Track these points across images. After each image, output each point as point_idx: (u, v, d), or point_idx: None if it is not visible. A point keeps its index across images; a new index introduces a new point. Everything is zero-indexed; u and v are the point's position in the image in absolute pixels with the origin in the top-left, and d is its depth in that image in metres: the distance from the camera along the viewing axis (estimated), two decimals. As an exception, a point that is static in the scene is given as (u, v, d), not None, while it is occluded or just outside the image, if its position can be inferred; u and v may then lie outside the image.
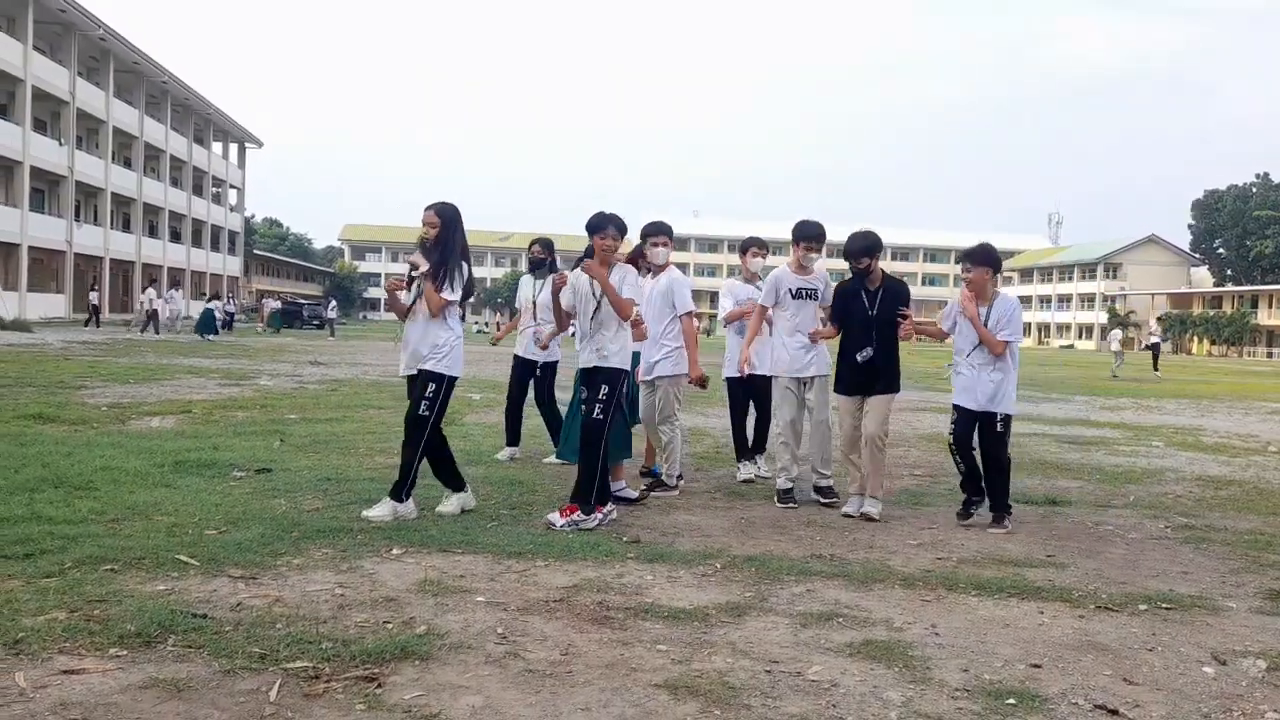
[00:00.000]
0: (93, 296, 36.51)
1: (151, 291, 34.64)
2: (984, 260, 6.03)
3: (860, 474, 6.23)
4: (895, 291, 6.31)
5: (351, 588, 4.15)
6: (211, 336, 30.67)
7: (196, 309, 39.30)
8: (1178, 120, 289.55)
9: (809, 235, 6.68)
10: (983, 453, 5.99)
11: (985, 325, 5.97)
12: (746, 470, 7.38)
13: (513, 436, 7.98)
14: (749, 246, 7.68)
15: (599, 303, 5.68)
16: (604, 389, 5.64)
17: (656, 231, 6.79)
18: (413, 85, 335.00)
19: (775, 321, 6.69)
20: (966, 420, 6.02)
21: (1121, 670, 3.54)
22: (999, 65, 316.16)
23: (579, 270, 5.83)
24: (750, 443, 7.51)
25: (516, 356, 8.14)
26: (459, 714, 2.96)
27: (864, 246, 6.26)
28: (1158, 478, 8.30)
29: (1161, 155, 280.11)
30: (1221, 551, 5.55)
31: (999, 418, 5.96)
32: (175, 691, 3.02)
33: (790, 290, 6.60)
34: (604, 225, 5.70)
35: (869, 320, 6.27)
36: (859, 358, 6.25)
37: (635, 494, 6.42)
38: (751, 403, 7.52)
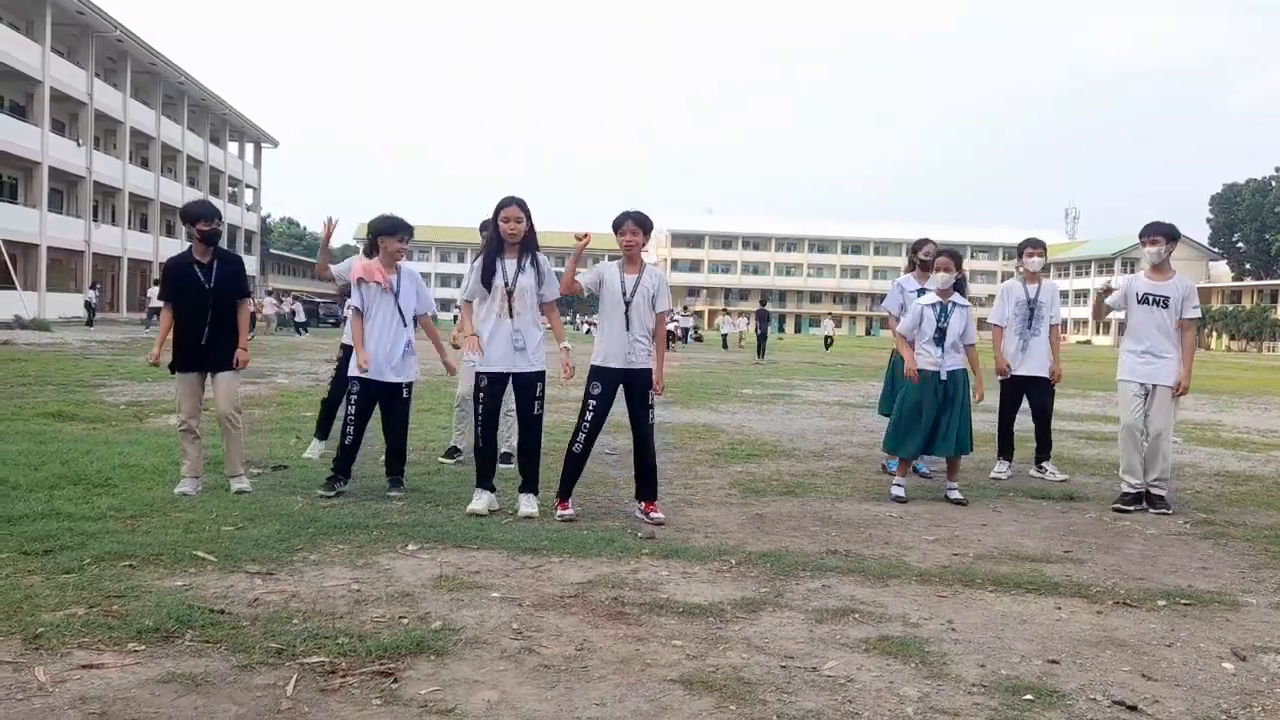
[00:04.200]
0: (90, 295, 36.76)
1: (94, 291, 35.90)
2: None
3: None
4: None
5: (367, 583, 4.17)
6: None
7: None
8: (1195, 114, 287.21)
9: (1150, 231, 6.53)
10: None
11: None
12: (1001, 469, 7.52)
13: (326, 431, 7.40)
14: (1025, 248, 7.77)
15: (630, 300, 5.65)
16: (650, 394, 5.73)
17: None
18: (426, 84, 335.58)
19: (1127, 326, 6.61)
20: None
21: (1140, 666, 3.52)
22: (1013, 60, 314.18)
23: (612, 265, 5.80)
24: (1037, 446, 7.71)
25: (347, 347, 7.01)
26: (475, 709, 2.97)
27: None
28: (1176, 473, 8.20)
29: (1179, 149, 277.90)
30: (1241, 547, 5.50)
31: None
32: (193, 686, 3.04)
33: (1138, 295, 6.51)
34: (622, 222, 5.68)
35: None
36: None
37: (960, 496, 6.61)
38: (1029, 404, 7.66)
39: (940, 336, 6.55)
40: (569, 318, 60.13)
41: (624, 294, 5.66)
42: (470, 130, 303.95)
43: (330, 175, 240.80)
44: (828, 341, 44.92)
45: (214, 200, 59.12)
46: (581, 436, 5.69)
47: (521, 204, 5.66)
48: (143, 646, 3.34)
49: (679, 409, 12.46)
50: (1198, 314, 6.58)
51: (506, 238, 5.63)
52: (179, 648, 3.35)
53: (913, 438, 6.54)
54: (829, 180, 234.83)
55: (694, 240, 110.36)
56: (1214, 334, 76.11)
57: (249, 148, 67.85)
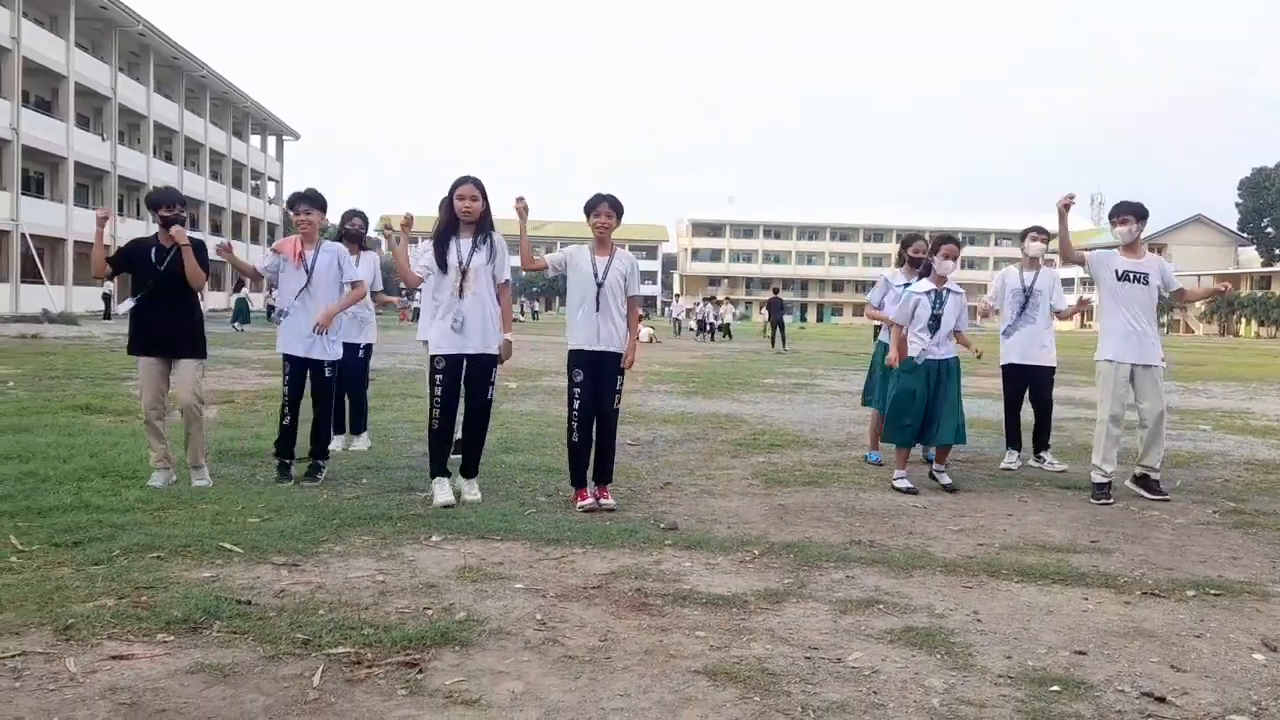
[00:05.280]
0: (109, 286, 37.07)
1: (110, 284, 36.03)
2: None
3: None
4: None
5: (392, 574, 4.19)
6: (246, 326, 31.15)
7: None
8: (1224, 97, 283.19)
9: (1122, 210, 6.47)
10: None
11: None
12: (1011, 459, 7.51)
13: (339, 424, 7.41)
14: (1027, 233, 7.73)
15: (601, 282, 5.64)
16: (620, 378, 5.73)
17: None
18: (448, 72, 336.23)
19: (1104, 307, 6.54)
20: None
21: (1169, 657, 3.49)
22: (1037, 41, 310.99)
23: (582, 248, 5.79)
24: (1034, 435, 7.68)
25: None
26: (499, 699, 2.98)
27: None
28: (1205, 462, 8.14)
29: (1208, 133, 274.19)
30: (1271, 536, 5.43)
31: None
32: (221, 676, 3.07)
33: (1116, 271, 6.40)
34: (597, 204, 5.69)
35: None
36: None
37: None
38: (1029, 394, 7.62)
39: (935, 324, 6.49)
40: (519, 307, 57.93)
41: (596, 276, 5.65)
42: (473, 127, 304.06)
43: (335, 169, 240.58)
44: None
45: (236, 193, 59.68)
46: (575, 424, 5.68)
47: (477, 183, 5.61)
48: (171, 637, 3.38)
49: (701, 399, 12.45)
50: (1179, 283, 6.60)
51: (461, 216, 5.57)
52: (207, 638, 3.38)
53: (902, 426, 6.48)
54: (842, 175, 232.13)
55: (715, 229, 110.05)
56: (1243, 320, 75.12)
57: (271, 140, 68.18)
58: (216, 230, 57.17)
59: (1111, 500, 6.25)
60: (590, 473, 5.75)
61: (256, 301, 43.47)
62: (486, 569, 4.32)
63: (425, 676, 3.12)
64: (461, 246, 5.58)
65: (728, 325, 39.49)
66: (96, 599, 3.71)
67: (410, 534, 4.88)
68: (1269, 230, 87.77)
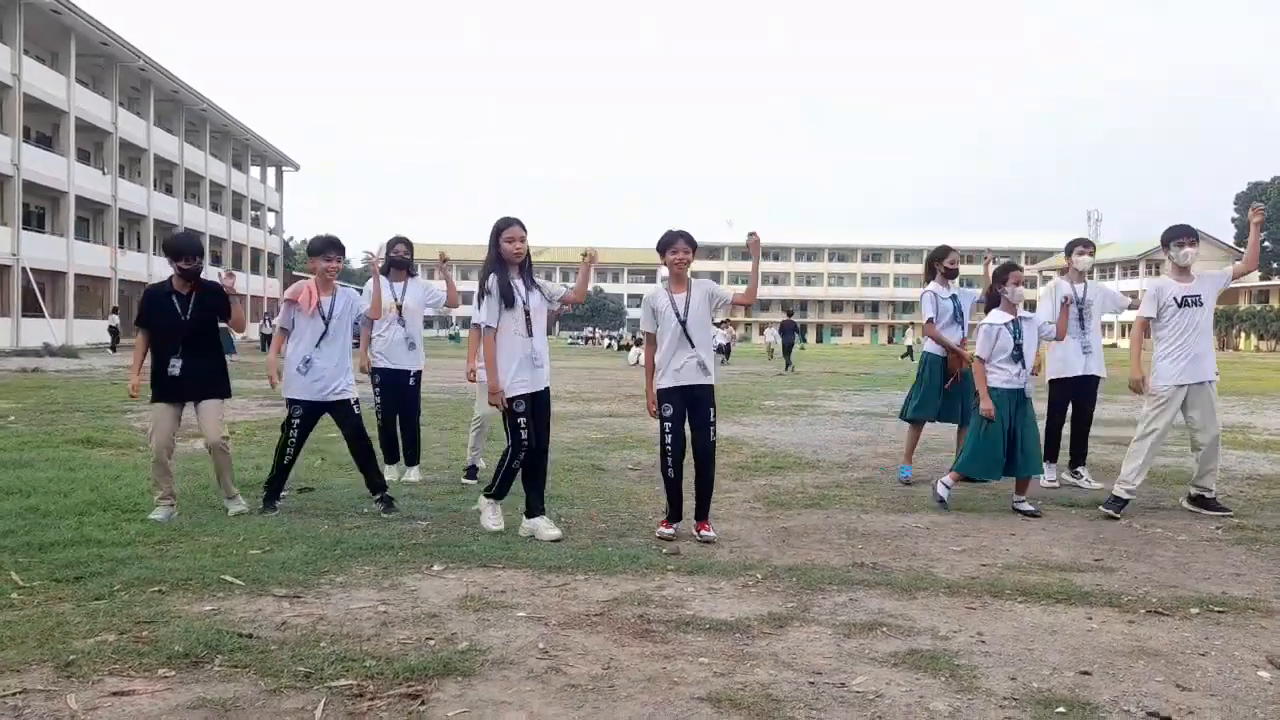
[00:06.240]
0: (114, 319, 37.25)
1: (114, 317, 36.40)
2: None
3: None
4: None
5: (394, 605, 4.18)
6: (232, 356, 31.24)
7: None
8: (1219, 112, 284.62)
9: (1184, 233, 6.54)
10: None
11: None
12: (1049, 474, 7.49)
13: (394, 453, 7.53)
14: (1075, 246, 7.70)
15: (684, 319, 5.64)
16: (712, 410, 5.69)
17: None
18: (450, 103, 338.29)
19: (1159, 331, 6.56)
20: None
21: (1174, 676, 3.47)
22: (1035, 63, 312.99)
23: (659, 290, 5.81)
24: (1072, 448, 7.68)
25: (381, 369, 7.38)
26: (502, 730, 2.96)
27: None
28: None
29: (1203, 147, 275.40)
30: (1274, 552, 5.42)
31: None
32: (222, 711, 3.06)
33: (1175, 298, 6.50)
34: (673, 241, 5.71)
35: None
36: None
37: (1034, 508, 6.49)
38: (1073, 404, 7.63)
39: (1018, 353, 6.50)
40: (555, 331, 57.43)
41: (678, 313, 5.67)
42: (473, 130, 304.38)
43: (332, 196, 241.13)
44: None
45: (237, 224, 59.94)
46: (669, 460, 5.66)
47: (523, 224, 5.66)
48: (173, 672, 3.37)
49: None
50: (1227, 272, 6.82)
51: (512, 258, 5.59)
52: (208, 673, 3.37)
53: (993, 460, 6.44)
54: (842, 193, 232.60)
55: (714, 252, 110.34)
56: (1242, 334, 75.13)
57: (270, 172, 68.53)
58: (217, 261, 57.36)
59: (1119, 516, 6.24)
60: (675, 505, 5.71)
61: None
62: (488, 598, 4.31)
63: (428, 708, 3.11)
64: (519, 286, 5.60)
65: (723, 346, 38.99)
66: (97, 634, 3.70)
67: (412, 563, 4.88)
68: (1266, 244, 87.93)
